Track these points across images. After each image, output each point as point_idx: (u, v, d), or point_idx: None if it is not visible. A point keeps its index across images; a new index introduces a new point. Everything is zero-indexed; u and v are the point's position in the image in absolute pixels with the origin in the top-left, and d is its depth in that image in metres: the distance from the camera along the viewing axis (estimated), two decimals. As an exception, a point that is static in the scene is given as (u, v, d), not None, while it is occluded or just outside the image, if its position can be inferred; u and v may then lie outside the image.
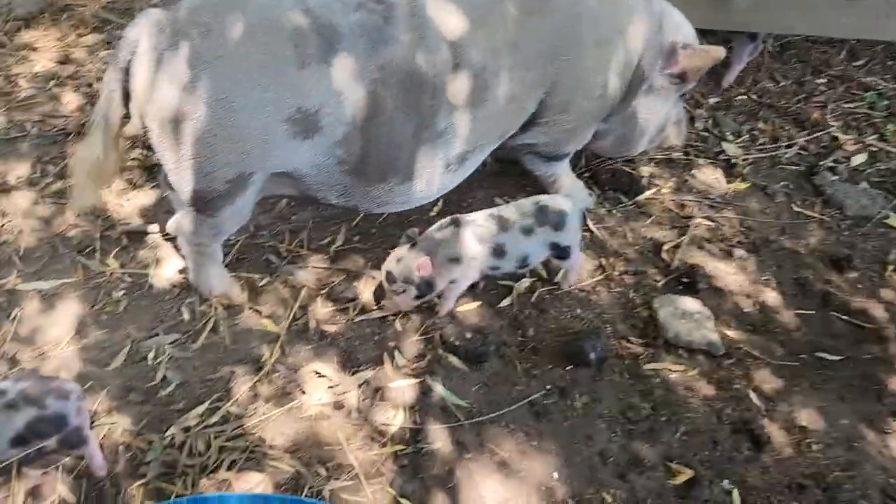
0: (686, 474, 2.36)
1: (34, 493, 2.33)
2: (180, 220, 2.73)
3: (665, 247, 3.16)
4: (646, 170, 3.56)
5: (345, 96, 2.37)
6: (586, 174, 3.49)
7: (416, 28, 2.44)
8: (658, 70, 2.94)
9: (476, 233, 2.68)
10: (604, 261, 3.09)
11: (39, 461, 2.35)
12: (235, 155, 2.35)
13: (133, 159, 3.59)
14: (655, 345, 2.76)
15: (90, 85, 4.05)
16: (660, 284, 3.01)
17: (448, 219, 2.75)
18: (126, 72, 2.34)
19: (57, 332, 2.82)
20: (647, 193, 3.42)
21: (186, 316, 2.87)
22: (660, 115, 3.15)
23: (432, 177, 2.70)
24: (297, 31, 2.30)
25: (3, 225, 3.24)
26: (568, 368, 2.67)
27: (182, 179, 2.44)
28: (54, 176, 3.49)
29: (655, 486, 2.35)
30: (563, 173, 3.20)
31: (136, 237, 3.21)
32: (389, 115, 2.45)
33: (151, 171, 3.52)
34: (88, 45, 4.36)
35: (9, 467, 2.34)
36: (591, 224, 3.23)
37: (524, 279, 2.98)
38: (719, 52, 2.87)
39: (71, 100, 3.96)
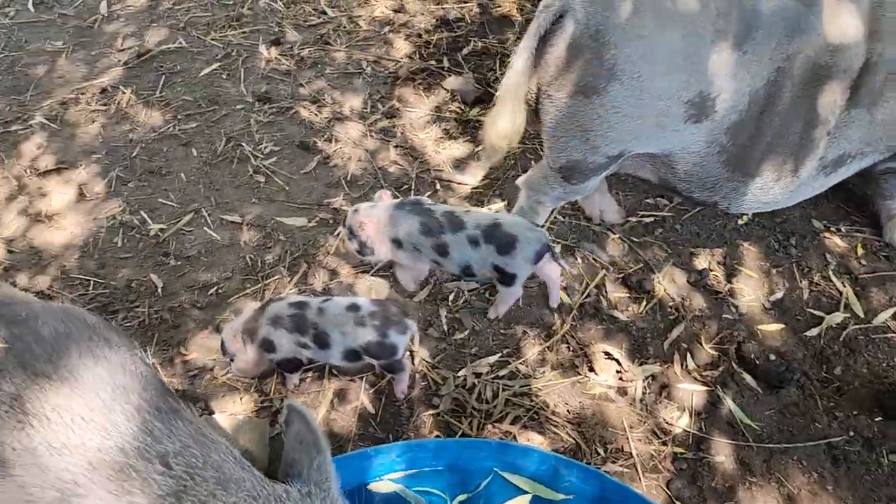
0: None
1: (340, 395, 2.60)
2: (533, 175, 2.81)
3: None
4: None
5: (747, 83, 2.34)
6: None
7: (835, 17, 2.32)
8: None
9: (423, 222, 2.62)
10: (934, 314, 2.79)
11: (351, 370, 2.62)
12: (628, 132, 2.40)
13: (450, 111, 3.80)
14: None
15: (419, 35, 4.32)
16: None
17: (413, 198, 2.77)
18: (541, 38, 2.39)
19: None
20: None
21: (485, 268, 3.01)
22: None
23: (804, 178, 2.59)
24: (720, 14, 2.27)
25: (336, 150, 3.60)
26: (878, 420, 2.45)
27: (564, 147, 2.52)
28: (382, 114, 3.80)
29: (968, 575, 2.11)
30: (910, 211, 2.92)
31: (446, 185, 3.41)
32: (785, 107, 2.38)
33: (467, 126, 3.70)
34: (422, -2, 4.66)
35: (323, 367, 2.64)
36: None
37: (836, 313, 2.77)
38: None
39: (402, 46, 4.26)
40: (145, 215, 3.27)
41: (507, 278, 2.63)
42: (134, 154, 3.59)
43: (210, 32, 4.37)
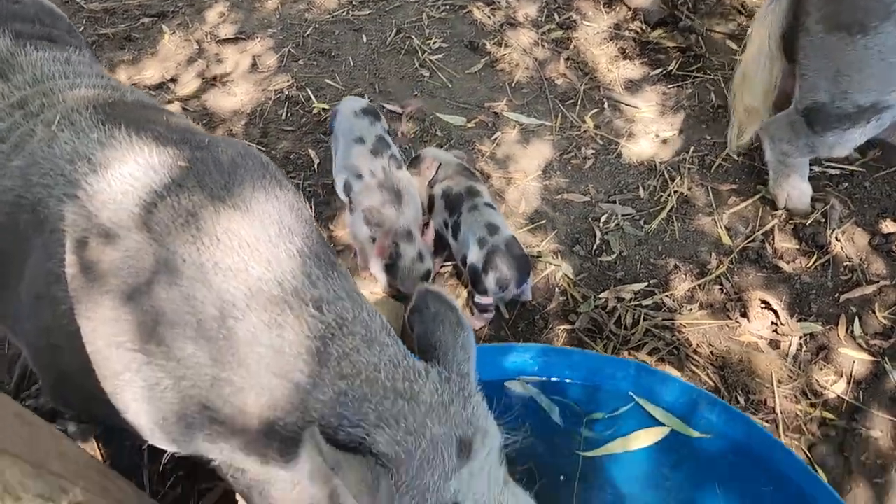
0: None
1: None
2: (776, 120, 2.61)
3: None
4: None
5: None
6: None
7: None
8: None
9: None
10: None
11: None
12: (888, 83, 2.15)
13: (630, 30, 3.57)
14: None
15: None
16: None
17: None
18: None
19: (526, 165, 3.00)
20: None
21: (644, 195, 2.85)
22: None
23: None
24: None
25: (504, 55, 3.48)
26: None
27: (812, 87, 2.32)
28: (557, 24, 3.62)
29: None
30: None
31: (615, 105, 3.23)
32: None
33: (645, 47, 3.47)
34: None
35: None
36: None
37: None
38: None
39: (588, -43, 4.01)
40: (311, 93, 3.32)
41: None
42: (307, 33, 3.63)
43: (394, -78, 4.30)
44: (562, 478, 1.82)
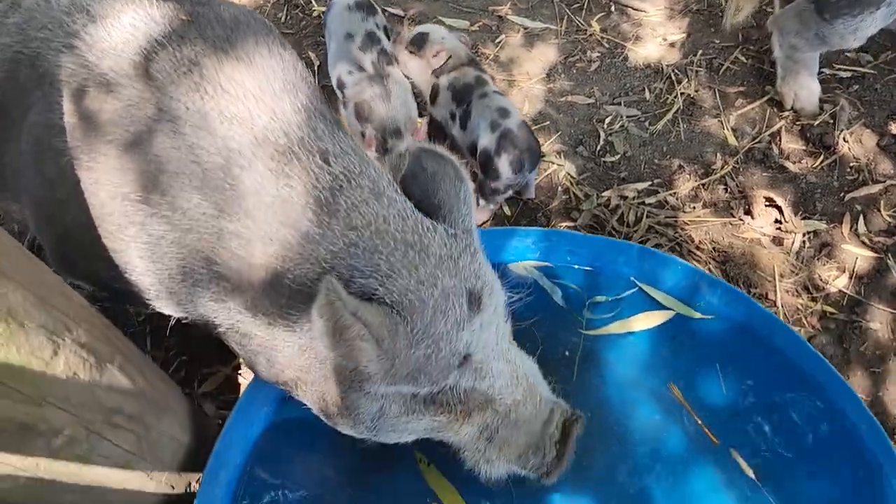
0: None
1: (479, 190, 2.54)
2: (785, 12, 2.55)
3: None
4: None
5: None
6: None
7: None
8: None
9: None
10: None
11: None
12: None
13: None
14: None
15: None
16: None
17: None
18: None
19: (530, 68, 2.94)
20: None
21: (649, 97, 2.81)
22: None
23: None
24: None
25: (509, -41, 3.39)
26: None
27: None
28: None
29: None
30: None
31: (622, 9, 3.16)
32: None
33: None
34: None
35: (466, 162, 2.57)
36: None
37: None
38: None
39: None
40: (311, -5, 3.24)
41: None
42: (306, -64, 3.52)
43: None
44: (566, 353, 1.83)
